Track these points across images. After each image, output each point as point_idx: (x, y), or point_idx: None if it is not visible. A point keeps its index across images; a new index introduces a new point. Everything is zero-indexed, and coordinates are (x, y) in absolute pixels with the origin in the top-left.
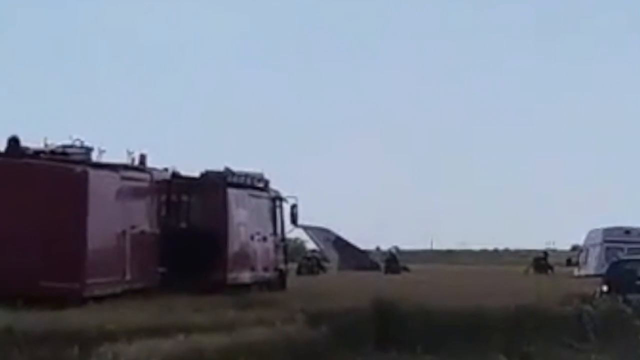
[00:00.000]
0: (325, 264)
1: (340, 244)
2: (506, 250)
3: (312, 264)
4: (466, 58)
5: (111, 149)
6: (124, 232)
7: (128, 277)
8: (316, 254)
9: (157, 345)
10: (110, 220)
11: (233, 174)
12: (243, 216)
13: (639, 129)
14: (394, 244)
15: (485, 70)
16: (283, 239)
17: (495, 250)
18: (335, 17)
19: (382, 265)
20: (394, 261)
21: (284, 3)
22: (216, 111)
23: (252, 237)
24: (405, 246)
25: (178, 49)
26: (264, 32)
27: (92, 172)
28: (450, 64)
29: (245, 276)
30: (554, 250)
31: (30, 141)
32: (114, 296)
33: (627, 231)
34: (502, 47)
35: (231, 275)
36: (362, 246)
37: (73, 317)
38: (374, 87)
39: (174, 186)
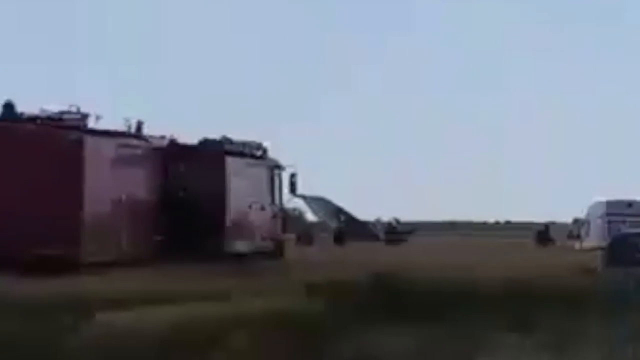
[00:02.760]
0: (323, 235)
1: (340, 215)
2: (507, 223)
3: (338, 234)
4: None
5: (108, 116)
6: (120, 200)
7: (124, 244)
8: (341, 226)
9: (152, 313)
10: (106, 187)
11: (231, 142)
12: (241, 185)
13: None
14: (395, 216)
15: (482, 39)
16: (282, 209)
17: (497, 223)
18: None
19: (382, 236)
20: (394, 232)
21: None
22: (214, 79)
23: (250, 206)
24: (406, 217)
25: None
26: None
27: (88, 139)
28: (446, 32)
29: (243, 245)
30: (554, 223)
31: (26, 107)
32: (110, 263)
33: (629, 204)
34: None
35: (228, 245)
36: (362, 217)
37: (69, 284)
38: (372, 53)
39: (172, 154)
